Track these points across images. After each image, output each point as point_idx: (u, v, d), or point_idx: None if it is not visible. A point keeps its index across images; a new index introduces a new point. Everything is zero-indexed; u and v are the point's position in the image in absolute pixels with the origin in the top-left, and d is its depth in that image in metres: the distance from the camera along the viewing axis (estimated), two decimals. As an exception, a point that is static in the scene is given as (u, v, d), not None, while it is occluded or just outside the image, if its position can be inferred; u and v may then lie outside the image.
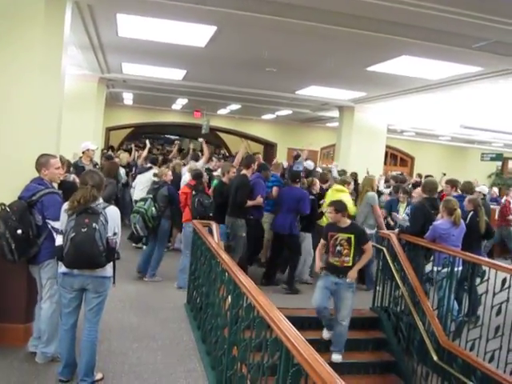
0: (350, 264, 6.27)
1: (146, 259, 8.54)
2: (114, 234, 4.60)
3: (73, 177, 6.29)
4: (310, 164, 11.62)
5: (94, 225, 4.30)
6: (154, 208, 8.11)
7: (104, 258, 4.39)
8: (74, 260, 4.36)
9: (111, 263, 4.58)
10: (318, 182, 9.62)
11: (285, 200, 8.75)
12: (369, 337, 7.22)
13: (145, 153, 12.70)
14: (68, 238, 4.32)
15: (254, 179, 8.68)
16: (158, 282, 8.36)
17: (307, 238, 8.97)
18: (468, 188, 9.41)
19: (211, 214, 8.06)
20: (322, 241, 6.59)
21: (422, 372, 6.33)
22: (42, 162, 5.05)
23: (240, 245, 8.30)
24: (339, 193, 8.90)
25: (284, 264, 9.08)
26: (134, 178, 11.12)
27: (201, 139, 11.75)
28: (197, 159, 11.63)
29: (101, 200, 4.61)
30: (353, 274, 6.23)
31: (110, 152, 15.93)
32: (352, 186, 10.01)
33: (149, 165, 10.80)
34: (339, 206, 6.34)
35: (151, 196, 8.33)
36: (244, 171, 8.72)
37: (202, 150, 12.85)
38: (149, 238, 8.56)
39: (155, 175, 9.18)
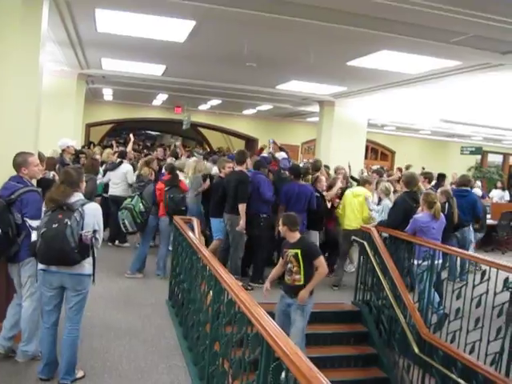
0: (302, 282, 5.68)
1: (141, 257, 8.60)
2: (94, 230, 4.57)
3: (52, 174, 6.24)
4: (281, 154, 11.43)
5: (65, 220, 4.28)
6: (141, 204, 8.13)
7: (77, 255, 4.36)
8: (45, 255, 4.36)
9: (90, 261, 4.56)
10: (323, 178, 9.36)
11: (292, 197, 8.34)
12: (351, 330, 7.26)
13: (130, 147, 12.55)
14: (40, 233, 4.32)
15: (256, 177, 8.40)
16: (139, 278, 8.32)
17: (313, 236, 8.55)
18: (466, 181, 9.60)
19: (183, 208, 8.13)
20: (280, 259, 6.12)
21: (403, 364, 6.37)
22: (20, 162, 4.99)
23: (241, 243, 8.17)
24: (358, 197, 8.84)
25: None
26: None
27: (178, 142, 11.73)
28: (176, 157, 11.60)
29: (80, 196, 4.58)
30: (303, 295, 5.61)
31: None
32: (373, 185, 9.68)
33: (118, 160, 10.65)
34: (286, 219, 5.84)
35: (138, 193, 8.39)
36: (238, 167, 8.48)
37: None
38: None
39: (140, 176, 9.16)
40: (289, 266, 5.75)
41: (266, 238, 8.42)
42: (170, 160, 10.66)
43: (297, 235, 5.81)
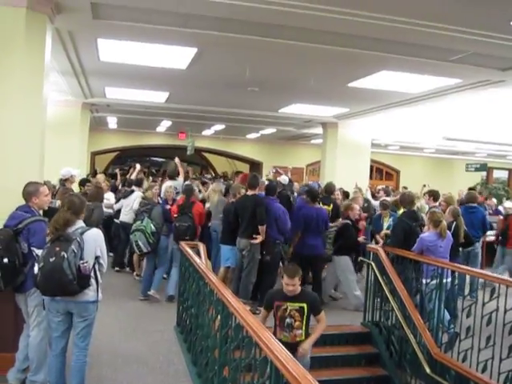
0: (303, 338, 5.02)
1: (148, 280, 8.61)
2: (97, 256, 4.57)
3: (58, 203, 6.26)
4: (284, 178, 11.57)
5: (62, 253, 4.27)
6: (151, 225, 8.31)
7: (75, 286, 4.34)
8: (45, 288, 4.39)
9: (94, 288, 4.55)
10: (357, 206, 9.23)
11: (311, 221, 8.38)
12: (361, 352, 7.17)
13: (133, 176, 12.54)
14: (39, 267, 4.35)
15: (274, 206, 8.38)
16: (146, 303, 8.30)
17: (344, 261, 8.61)
18: (473, 197, 9.63)
19: (187, 238, 8.04)
20: (263, 311, 5.29)
21: (415, 385, 6.30)
22: (31, 191, 5.02)
23: (255, 268, 8.18)
24: None
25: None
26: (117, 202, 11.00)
27: (176, 159, 11.68)
28: (173, 177, 11.59)
29: (80, 224, 4.60)
30: (306, 348, 4.97)
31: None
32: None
33: (132, 188, 10.76)
34: (289, 271, 5.05)
35: (147, 215, 8.53)
36: (250, 192, 8.44)
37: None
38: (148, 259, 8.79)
39: (144, 198, 9.24)
40: (288, 320, 4.99)
41: (277, 263, 8.49)
42: (169, 183, 10.66)
43: (299, 286, 5.03)
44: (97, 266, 4.59)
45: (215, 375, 4.69)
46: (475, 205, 9.78)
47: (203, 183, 13.31)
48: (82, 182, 10.87)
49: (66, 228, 4.44)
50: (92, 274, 4.52)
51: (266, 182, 10.33)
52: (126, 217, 10.17)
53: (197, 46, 7.56)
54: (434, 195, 9.27)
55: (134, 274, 9.89)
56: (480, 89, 9.18)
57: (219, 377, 4.56)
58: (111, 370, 5.68)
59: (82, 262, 4.38)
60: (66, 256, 4.27)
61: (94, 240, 4.59)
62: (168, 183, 10.69)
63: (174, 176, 11.25)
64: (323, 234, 8.66)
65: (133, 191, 10.51)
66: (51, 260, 4.27)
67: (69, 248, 4.30)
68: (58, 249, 4.30)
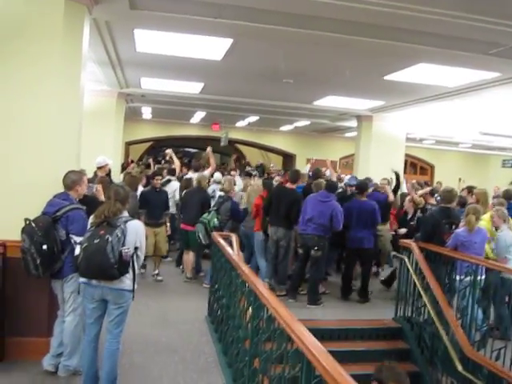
0: None
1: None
2: (136, 247, 4.62)
3: (95, 187, 6.27)
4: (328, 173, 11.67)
5: (107, 237, 4.34)
6: (216, 219, 8.65)
7: (116, 271, 4.39)
8: (85, 269, 4.43)
9: (131, 276, 4.60)
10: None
11: (357, 214, 8.63)
12: (392, 347, 7.13)
13: (176, 161, 12.41)
14: (82, 247, 4.40)
15: (331, 204, 8.39)
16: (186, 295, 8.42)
17: None
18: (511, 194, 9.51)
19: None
20: None
21: (446, 382, 6.24)
22: (75, 179, 5.12)
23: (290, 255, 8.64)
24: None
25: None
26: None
27: (209, 148, 11.71)
28: (197, 169, 11.64)
29: (125, 213, 4.66)
30: None
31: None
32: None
33: (167, 177, 10.82)
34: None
35: (215, 208, 8.92)
36: (289, 185, 8.87)
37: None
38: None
39: (222, 190, 9.55)
40: None
41: (325, 258, 8.59)
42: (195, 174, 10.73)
43: None
44: (134, 257, 4.62)
45: (245, 366, 4.70)
46: None
47: (249, 175, 13.36)
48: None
49: (116, 217, 4.50)
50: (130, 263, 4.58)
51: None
52: None
53: (232, 36, 7.54)
54: (472, 191, 9.15)
55: (184, 273, 9.54)
56: (519, 83, 9.00)
57: (250, 367, 4.57)
58: (142, 358, 5.75)
59: (124, 248, 4.44)
60: (110, 239, 4.33)
61: (136, 231, 4.64)
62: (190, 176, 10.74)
63: (198, 169, 11.31)
64: (373, 228, 8.79)
65: (169, 180, 10.57)
66: (95, 241, 4.34)
67: (113, 232, 4.37)
68: (102, 232, 4.37)
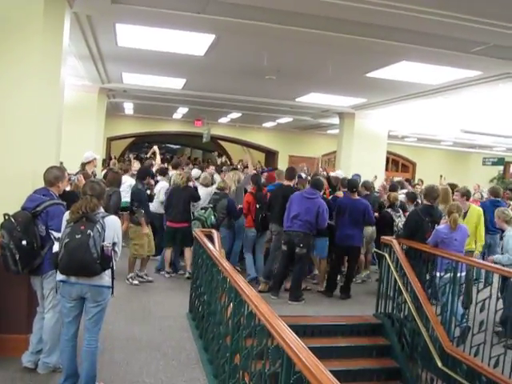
0: None
1: None
2: (114, 243, 4.58)
3: (77, 177, 6.21)
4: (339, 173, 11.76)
5: (88, 231, 4.30)
6: (213, 217, 8.71)
7: (98, 266, 4.36)
8: (68, 266, 4.38)
9: (109, 273, 4.56)
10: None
11: (348, 211, 8.65)
12: (372, 343, 7.18)
13: (158, 160, 12.25)
14: (62, 244, 4.35)
15: (316, 201, 8.42)
16: (174, 290, 8.37)
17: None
18: (497, 192, 9.77)
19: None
20: None
21: (426, 378, 6.29)
22: (58, 176, 5.08)
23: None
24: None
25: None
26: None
27: (155, 147, 11.68)
28: (176, 167, 11.57)
29: (101, 209, 4.62)
30: None
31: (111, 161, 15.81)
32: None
33: (158, 177, 10.70)
34: None
35: (212, 205, 8.91)
36: (287, 182, 9.04)
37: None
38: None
39: (219, 188, 9.40)
40: None
41: (309, 255, 8.73)
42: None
43: None
44: (112, 253, 4.58)
45: (226, 362, 4.70)
46: (499, 199, 10.04)
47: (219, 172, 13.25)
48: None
49: (92, 212, 4.45)
50: None
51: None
52: (152, 207, 9.73)
53: (215, 32, 7.52)
54: (452, 188, 9.25)
55: (165, 271, 9.39)
56: (500, 81, 9.07)
57: (230, 364, 4.57)
58: (124, 355, 5.71)
59: (105, 243, 4.40)
60: (92, 234, 4.29)
61: (113, 226, 4.60)
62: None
63: (177, 166, 11.23)
64: (361, 226, 8.82)
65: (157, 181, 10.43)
66: (77, 237, 4.29)
67: (94, 227, 4.33)
68: (83, 227, 4.33)
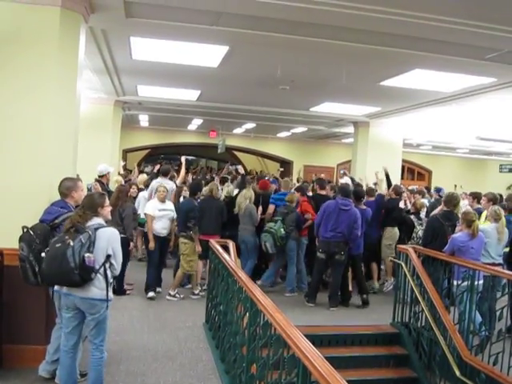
0: None
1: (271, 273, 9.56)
2: (108, 255, 4.53)
3: (93, 185, 6.21)
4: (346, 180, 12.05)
5: (68, 241, 4.29)
6: (282, 229, 8.78)
7: (77, 276, 4.29)
8: (46, 274, 4.43)
9: (101, 286, 4.49)
10: None
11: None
12: (389, 353, 7.12)
13: (182, 172, 11.72)
14: (45, 253, 4.42)
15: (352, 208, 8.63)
16: (181, 300, 8.35)
17: None
18: None
19: None
20: None
21: (444, 388, 6.23)
22: (70, 186, 5.13)
23: None
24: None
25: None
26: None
27: (183, 158, 11.51)
28: (166, 174, 10.60)
29: (98, 221, 4.60)
30: None
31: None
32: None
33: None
34: None
35: (281, 218, 8.95)
36: (320, 191, 10.03)
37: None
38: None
39: (286, 201, 9.35)
40: None
41: (346, 260, 8.78)
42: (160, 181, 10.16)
43: None
44: (107, 265, 4.53)
45: (243, 372, 4.70)
46: None
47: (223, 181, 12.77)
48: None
49: (83, 223, 4.46)
50: (102, 272, 4.48)
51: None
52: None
53: (228, 44, 7.57)
54: (477, 197, 9.21)
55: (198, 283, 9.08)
56: (515, 88, 9.04)
57: (247, 374, 4.57)
58: (140, 365, 5.73)
59: (87, 253, 4.35)
60: (71, 244, 4.27)
61: (108, 238, 4.54)
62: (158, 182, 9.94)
63: (167, 174, 10.71)
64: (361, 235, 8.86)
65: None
66: (57, 246, 4.32)
67: (77, 238, 4.32)
68: (66, 237, 4.34)
